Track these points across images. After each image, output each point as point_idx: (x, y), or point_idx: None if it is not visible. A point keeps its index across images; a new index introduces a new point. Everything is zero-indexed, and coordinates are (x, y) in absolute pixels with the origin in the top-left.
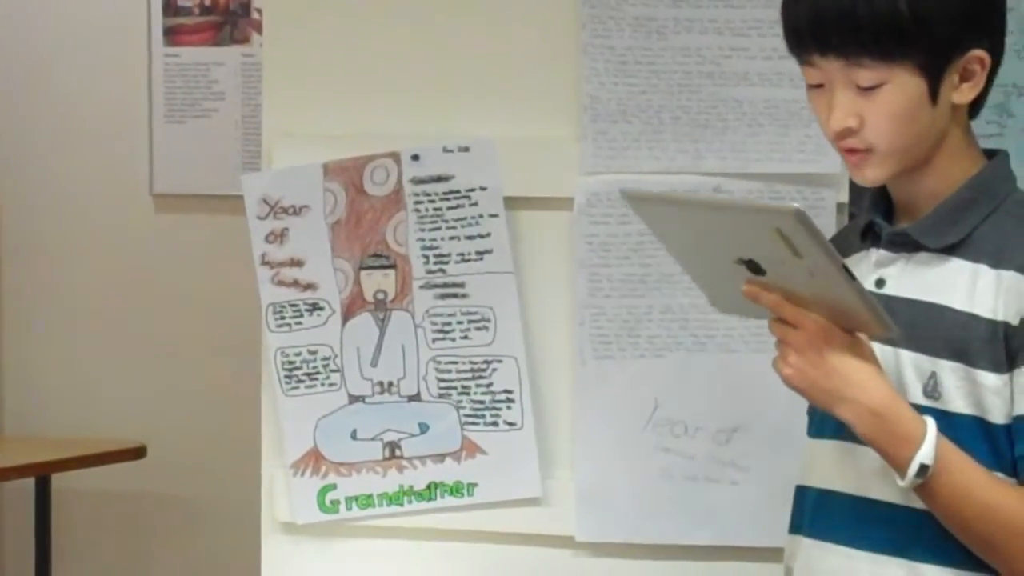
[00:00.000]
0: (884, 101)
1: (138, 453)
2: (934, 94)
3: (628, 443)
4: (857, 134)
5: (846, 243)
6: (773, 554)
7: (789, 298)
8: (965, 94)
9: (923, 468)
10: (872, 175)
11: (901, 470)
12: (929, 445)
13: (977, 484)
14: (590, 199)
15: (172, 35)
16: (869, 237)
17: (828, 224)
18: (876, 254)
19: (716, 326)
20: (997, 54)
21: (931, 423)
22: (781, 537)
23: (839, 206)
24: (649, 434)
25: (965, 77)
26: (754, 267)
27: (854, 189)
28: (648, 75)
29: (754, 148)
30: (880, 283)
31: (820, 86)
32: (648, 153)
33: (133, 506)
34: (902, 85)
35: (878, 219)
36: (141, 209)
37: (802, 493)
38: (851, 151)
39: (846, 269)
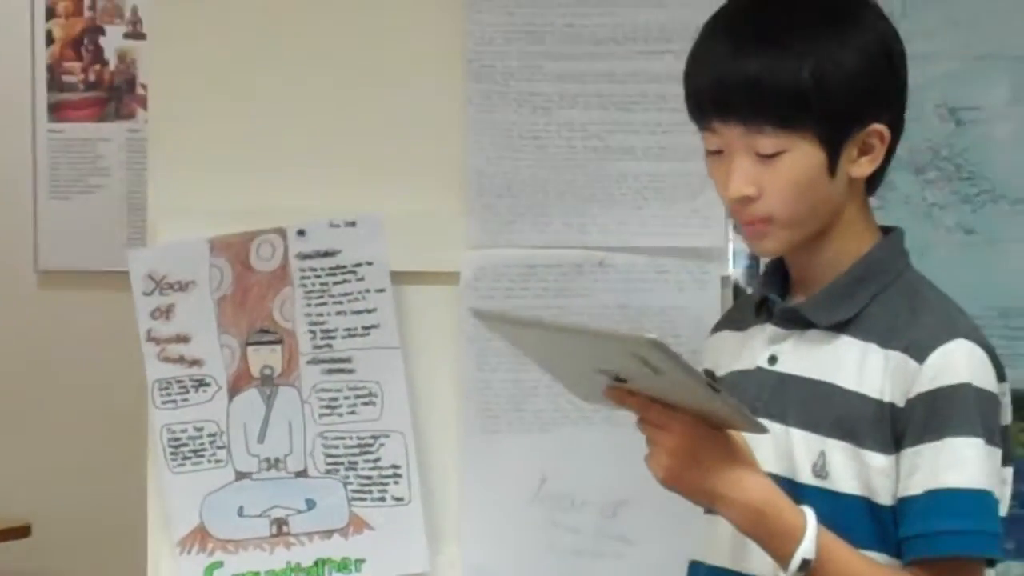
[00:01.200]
0: (783, 170)
1: (23, 532)
2: (833, 166)
3: (516, 517)
4: (755, 203)
5: (743, 315)
6: None
7: (655, 399)
8: (863, 168)
9: (805, 563)
10: (769, 246)
11: (783, 564)
12: (810, 540)
13: (859, 573)
14: (476, 273)
15: (57, 111)
16: (763, 312)
17: (712, 298)
18: (769, 329)
19: None
20: (897, 129)
21: (810, 516)
22: None
23: (723, 279)
24: (536, 508)
25: (864, 151)
26: (616, 376)
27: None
28: (533, 150)
29: (639, 222)
30: (772, 360)
31: (719, 152)
32: (534, 227)
33: None
34: (802, 155)
35: (771, 295)
36: (26, 285)
37: (695, 569)
38: (749, 222)
39: (711, 385)
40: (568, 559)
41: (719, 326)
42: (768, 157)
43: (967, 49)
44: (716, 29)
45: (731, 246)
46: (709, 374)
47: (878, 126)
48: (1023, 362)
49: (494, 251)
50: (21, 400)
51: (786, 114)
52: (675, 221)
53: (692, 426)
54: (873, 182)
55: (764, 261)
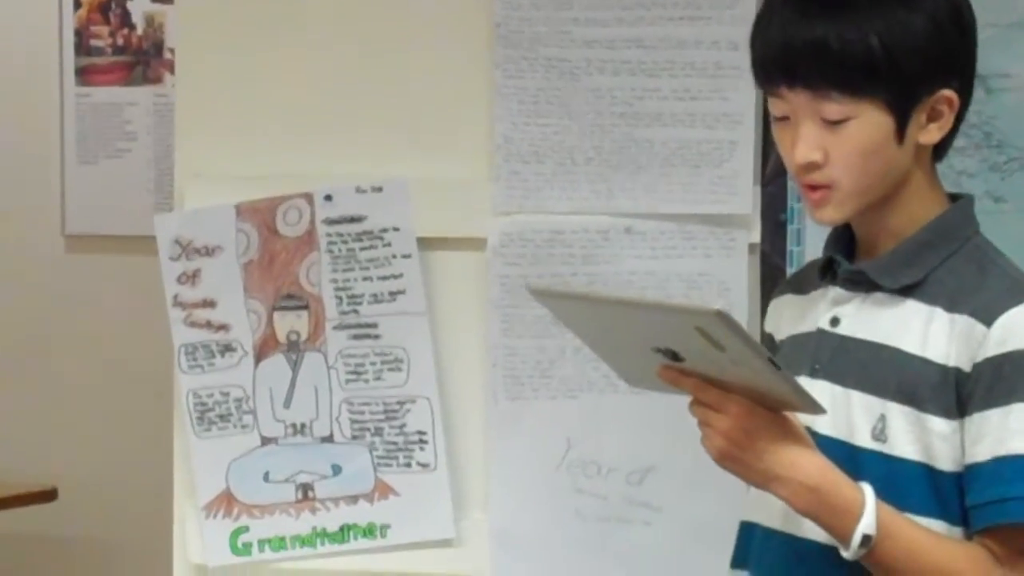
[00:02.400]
0: (850, 137)
1: (49, 496)
2: (901, 133)
3: (541, 484)
4: (821, 169)
5: (806, 279)
6: None
7: (709, 380)
8: (932, 134)
9: (866, 539)
10: (831, 215)
11: (844, 542)
12: (870, 515)
13: (923, 547)
14: (503, 239)
15: (84, 75)
16: (828, 274)
17: (739, 265)
18: (833, 291)
19: None
20: (966, 95)
21: (868, 491)
22: None
23: (751, 247)
24: (562, 475)
25: (933, 117)
26: (671, 354)
27: (768, 228)
28: (561, 116)
29: (666, 189)
30: (835, 321)
31: (785, 119)
32: (561, 193)
33: (45, 549)
34: (869, 121)
35: (837, 256)
36: (53, 250)
37: (748, 529)
38: (812, 187)
39: (772, 361)
40: (594, 525)
41: (782, 289)
42: (835, 123)
43: (997, 17)
44: None
45: (758, 213)
46: (768, 345)
47: (947, 92)
48: None
49: (521, 217)
50: (48, 364)
51: (854, 80)
52: (702, 188)
53: (747, 407)
54: (941, 149)
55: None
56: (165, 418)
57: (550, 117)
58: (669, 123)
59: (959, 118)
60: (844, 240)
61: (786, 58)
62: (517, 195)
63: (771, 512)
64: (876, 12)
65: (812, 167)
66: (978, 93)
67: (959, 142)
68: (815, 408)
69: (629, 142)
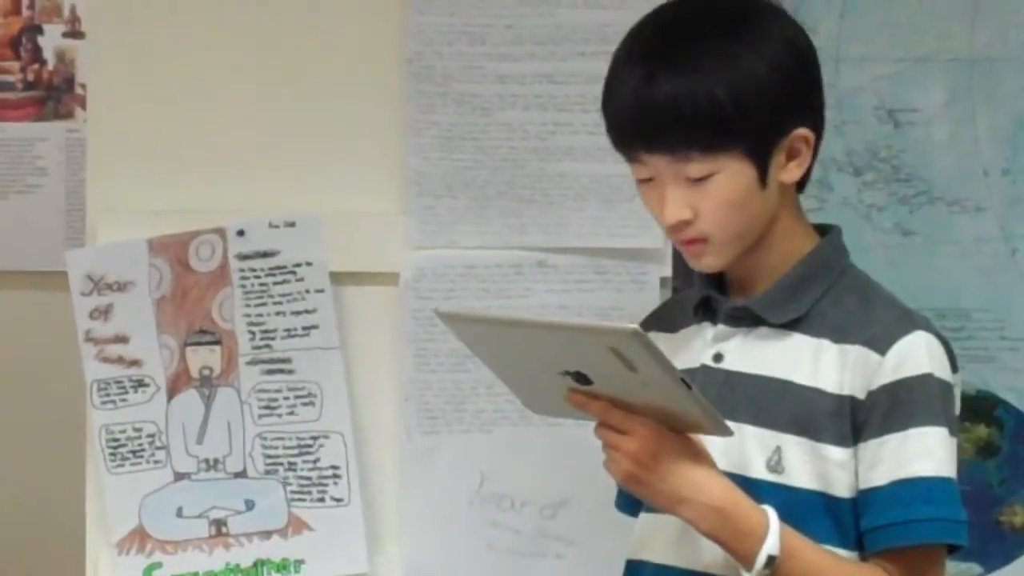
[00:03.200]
0: (716, 191)
1: None
2: (763, 178)
3: (455, 518)
4: (692, 225)
5: (672, 317)
6: None
7: (616, 403)
8: (793, 172)
9: (770, 559)
10: (711, 262)
11: (748, 564)
12: (774, 536)
13: (824, 568)
14: (416, 274)
15: None
16: (702, 311)
17: (652, 298)
18: (713, 329)
19: None
20: (819, 129)
21: (772, 513)
22: None
23: (663, 280)
24: (476, 509)
25: (791, 156)
26: (580, 377)
27: (681, 262)
28: (473, 150)
29: (578, 223)
30: (718, 357)
31: (650, 180)
32: (474, 228)
33: None
34: (732, 173)
35: (714, 293)
36: None
37: (637, 568)
38: (688, 242)
39: (684, 381)
40: (508, 559)
41: (645, 328)
42: (699, 180)
43: (904, 51)
44: (628, 59)
45: (670, 247)
46: None
47: (802, 130)
48: (960, 363)
49: (434, 252)
50: None
51: (711, 138)
52: (614, 222)
53: (654, 429)
54: (802, 182)
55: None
56: (78, 454)
57: (463, 152)
58: (581, 158)
59: (816, 148)
60: (715, 277)
61: (642, 124)
62: (430, 229)
63: (666, 547)
64: (719, 66)
65: (683, 226)
66: (886, 127)
67: (868, 176)
68: (723, 430)
69: (541, 176)
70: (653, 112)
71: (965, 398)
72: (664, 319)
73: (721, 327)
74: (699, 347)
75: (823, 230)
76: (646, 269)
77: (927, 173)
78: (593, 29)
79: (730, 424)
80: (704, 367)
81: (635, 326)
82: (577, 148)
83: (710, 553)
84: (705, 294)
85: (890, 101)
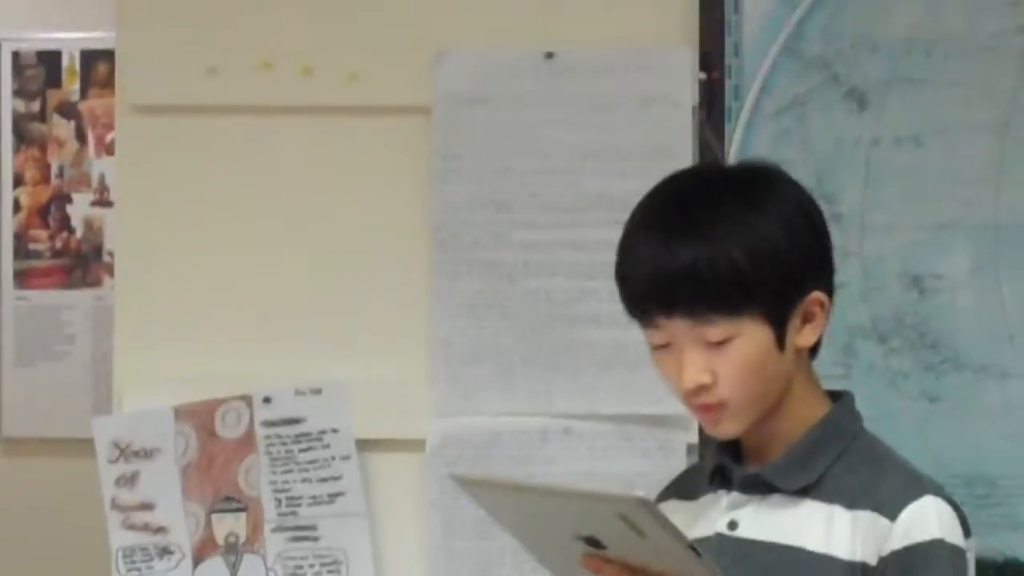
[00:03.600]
0: (735, 354)
1: None
2: (781, 341)
3: None
4: (711, 390)
5: (692, 484)
6: None
7: (631, 567)
8: (808, 336)
9: None
10: (728, 429)
11: None
12: None
13: None
14: (442, 441)
15: (22, 278)
16: (717, 479)
17: (678, 465)
18: (727, 497)
19: None
20: (831, 293)
21: None
22: None
23: (690, 447)
24: None
25: (807, 319)
26: (594, 542)
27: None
28: (499, 318)
29: (604, 389)
30: (733, 525)
31: (666, 346)
32: (499, 395)
33: None
34: (751, 337)
35: (728, 462)
36: None
37: None
38: (705, 408)
39: (693, 548)
40: None
41: (664, 495)
42: (718, 344)
43: (929, 218)
44: (642, 225)
45: None
46: None
47: (818, 294)
48: (988, 531)
49: (460, 419)
50: None
51: (731, 301)
52: (641, 388)
53: None
54: (815, 348)
55: None
56: None
57: (488, 319)
58: (606, 324)
59: (827, 313)
60: (729, 445)
61: (660, 290)
62: (456, 397)
63: None
64: (735, 231)
65: (702, 390)
66: (912, 294)
67: (894, 342)
68: None
69: (567, 343)
70: (672, 277)
71: (992, 565)
72: (684, 486)
73: (735, 495)
74: (714, 515)
75: (835, 396)
76: (673, 436)
77: (953, 340)
78: (618, 197)
79: None
80: (718, 535)
81: (642, 494)
82: (603, 315)
83: None
84: (719, 462)
85: (915, 268)
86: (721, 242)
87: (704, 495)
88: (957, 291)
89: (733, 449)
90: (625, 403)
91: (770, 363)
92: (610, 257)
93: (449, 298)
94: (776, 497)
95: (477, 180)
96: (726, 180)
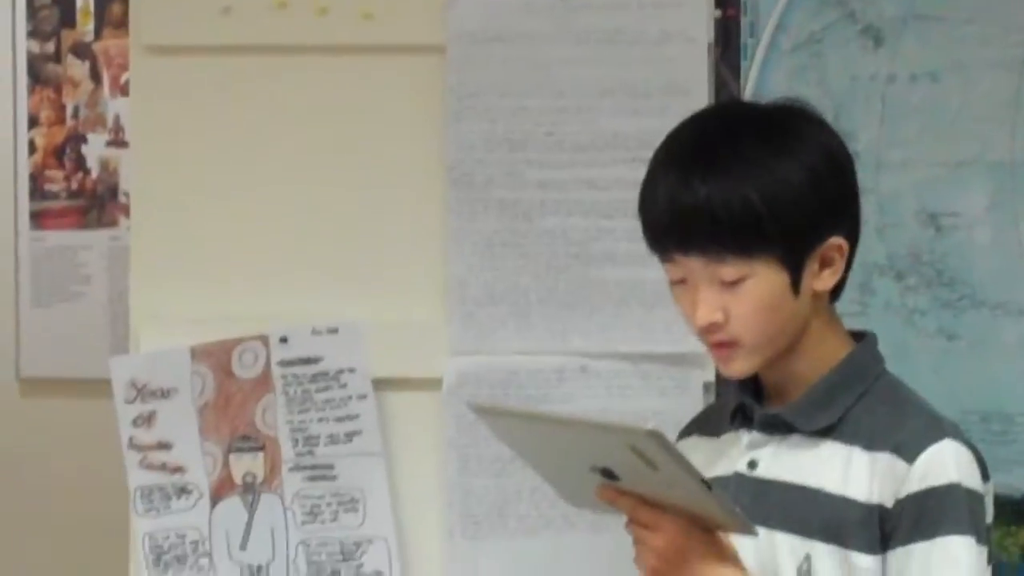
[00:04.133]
0: (748, 295)
1: None
2: (796, 284)
3: None
4: (723, 328)
5: (715, 422)
6: None
7: (645, 500)
8: (826, 281)
9: None
10: (739, 368)
11: None
12: None
13: None
14: (459, 379)
15: (39, 219)
16: (739, 418)
17: (695, 403)
18: (748, 436)
19: None
20: (854, 237)
21: None
22: None
23: (706, 385)
24: None
25: (825, 264)
26: (608, 473)
27: None
28: (515, 257)
29: (621, 328)
30: (752, 465)
31: (683, 281)
32: (516, 334)
33: None
34: (765, 278)
35: (749, 401)
36: (8, 393)
37: None
38: (718, 345)
39: (704, 482)
40: None
41: (687, 431)
42: (732, 283)
43: (946, 156)
44: (665, 161)
45: None
46: None
47: (836, 239)
48: (1005, 467)
49: (476, 358)
50: (3, 507)
51: (746, 242)
52: (657, 327)
53: (681, 527)
54: (837, 290)
55: None
56: (122, 561)
57: (504, 258)
58: (623, 263)
59: (850, 259)
60: (751, 384)
61: (676, 226)
62: (472, 336)
63: None
64: (754, 171)
65: (714, 328)
66: (928, 231)
67: (911, 280)
68: (748, 529)
69: (583, 282)
70: (688, 215)
71: (1010, 502)
72: (708, 423)
73: (755, 434)
74: (735, 454)
75: (859, 336)
76: (689, 374)
77: (970, 277)
78: (633, 135)
79: (762, 531)
80: (738, 474)
81: (652, 426)
82: (619, 254)
83: None
84: (740, 401)
85: (931, 205)
86: (738, 182)
87: (726, 433)
88: (974, 228)
89: (755, 388)
90: (641, 341)
91: (784, 305)
92: (626, 196)
93: (465, 237)
94: (796, 438)
95: (492, 119)
96: (752, 120)
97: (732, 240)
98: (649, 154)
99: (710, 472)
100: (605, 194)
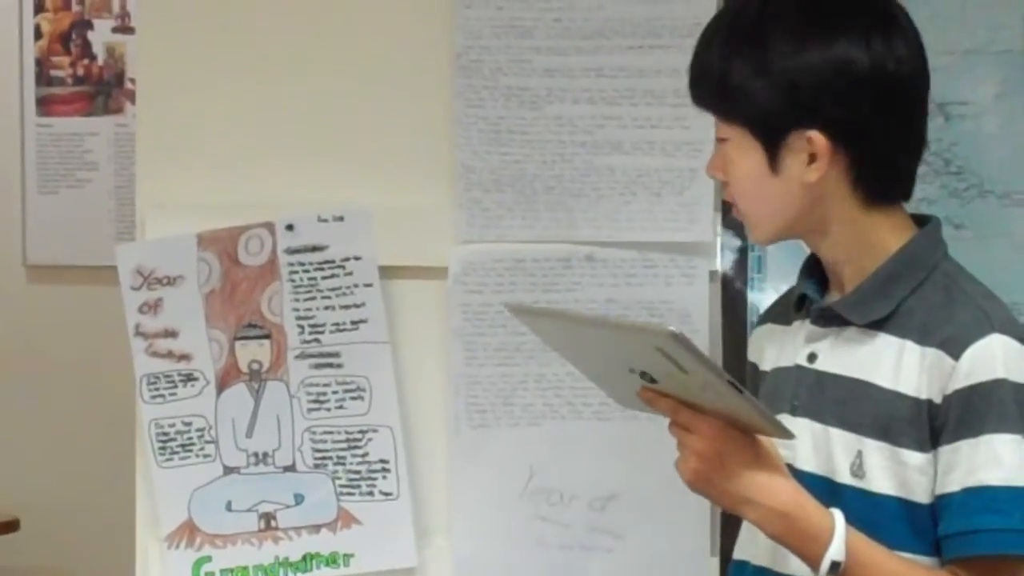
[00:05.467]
0: (729, 155)
1: (11, 526)
2: (773, 164)
3: (504, 512)
4: (727, 188)
5: (785, 310)
6: None
7: (685, 402)
8: (811, 174)
9: (835, 565)
10: (754, 236)
11: (814, 567)
12: (839, 540)
13: (892, 573)
14: (465, 268)
15: (45, 105)
16: (803, 308)
17: (700, 292)
18: (807, 327)
19: (591, 394)
20: (845, 136)
21: (839, 517)
22: None
23: (712, 274)
24: (525, 502)
25: (813, 159)
26: (647, 376)
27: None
28: (522, 144)
29: (627, 216)
30: (812, 357)
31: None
32: (522, 222)
33: None
34: (739, 146)
35: (809, 292)
36: (14, 280)
37: (739, 568)
38: (734, 208)
39: (733, 383)
40: (557, 553)
41: (764, 318)
42: (723, 143)
43: (954, 45)
44: (708, 26)
45: (719, 240)
46: (753, 374)
47: (810, 132)
48: None
49: (482, 246)
50: (8, 394)
51: (719, 103)
52: (663, 215)
53: (720, 430)
54: (888, 191)
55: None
56: (127, 448)
57: (511, 146)
58: (629, 151)
59: (876, 154)
60: (815, 272)
61: (690, 84)
62: (478, 224)
63: (759, 550)
64: (757, 46)
65: (725, 187)
66: (937, 120)
67: (919, 169)
68: (783, 432)
69: (590, 170)
70: (692, 71)
71: None
72: (781, 311)
73: (814, 327)
74: (798, 345)
75: (923, 221)
76: (695, 263)
77: (978, 166)
78: (641, 23)
79: (819, 427)
80: (797, 367)
81: (673, 327)
82: (626, 142)
83: (799, 559)
84: (801, 292)
85: (940, 94)
86: (733, 50)
87: (795, 321)
88: (983, 117)
89: (818, 278)
90: (648, 230)
91: (764, 182)
92: (633, 83)
93: (471, 125)
94: (851, 331)
95: (499, 5)
96: (794, 4)
97: (706, 97)
98: (656, 41)
99: (777, 363)
100: (612, 81)
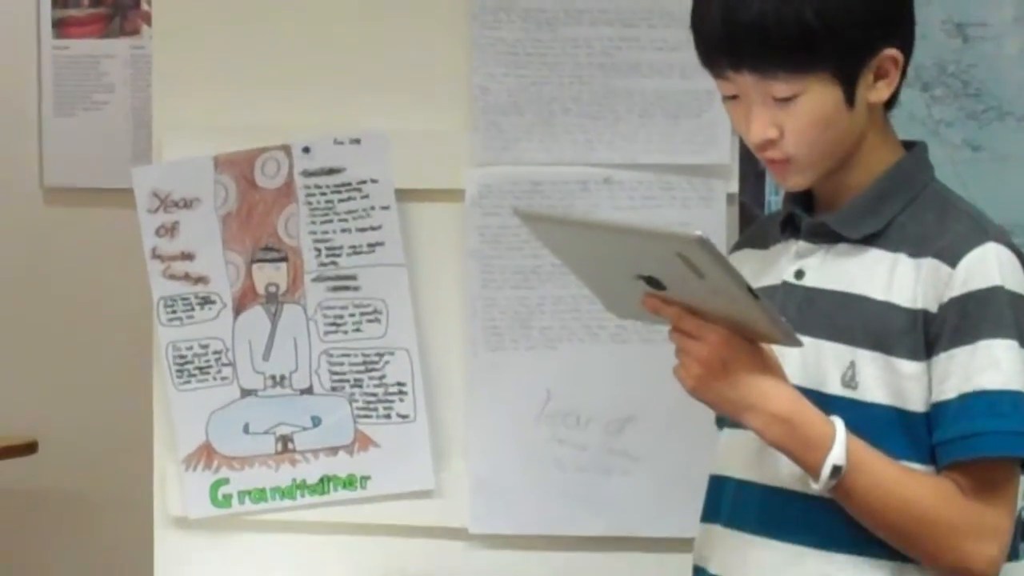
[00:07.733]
0: (801, 111)
1: (29, 448)
2: (850, 98)
3: (521, 435)
4: (777, 145)
5: (762, 236)
6: (666, 544)
7: (689, 309)
8: (881, 92)
9: (836, 470)
10: (796, 182)
11: (814, 473)
12: (839, 446)
13: (891, 479)
14: (481, 190)
15: (61, 27)
16: (789, 228)
17: (718, 214)
18: (796, 245)
19: (607, 318)
20: (908, 49)
21: (839, 424)
22: (674, 527)
23: (729, 196)
24: (542, 425)
25: (880, 75)
26: (653, 282)
27: (748, 178)
28: (539, 67)
29: (645, 139)
30: (799, 274)
31: (735, 97)
32: (539, 144)
33: (25, 502)
34: (818, 94)
35: (797, 211)
36: (31, 202)
37: (719, 483)
38: (773, 162)
39: (750, 290)
40: (573, 475)
41: (739, 245)
42: (785, 100)
43: None
44: None
45: (737, 163)
46: None
47: (891, 51)
48: None
49: (499, 168)
50: (27, 317)
51: (798, 59)
52: (681, 138)
53: (725, 336)
54: (890, 101)
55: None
56: (145, 371)
57: (528, 68)
58: (647, 74)
59: (905, 68)
60: (803, 194)
61: (729, 43)
62: (495, 146)
63: (746, 463)
64: None
65: (769, 144)
66: (955, 42)
67: (937, 91)
68: (792, 339)
69: (607, 93)
70: (740, 32)
71: None
72: (757, 236)
73: (803, 244)
74: (784, 263)
75: (909, 145)
76: (713, 185)
77: (997, 88)
78: None
79: (808, 340)
80: (785, 284)
81: (700, 232)
82: (643, 64)
83: (788, 469)
84: (790, 211)
85: (958, 15)
86: None
87: (776, 244)
88: (1001, 39)
89: (805, 199)
90: (665, 152)
91: (838, 120)
92: (651, 5)
93: (488, 47)
94: (843, 246)
95: None
96: None
97: (784, 58)
98: None
99: (758, 283)
100: (630, 2)
